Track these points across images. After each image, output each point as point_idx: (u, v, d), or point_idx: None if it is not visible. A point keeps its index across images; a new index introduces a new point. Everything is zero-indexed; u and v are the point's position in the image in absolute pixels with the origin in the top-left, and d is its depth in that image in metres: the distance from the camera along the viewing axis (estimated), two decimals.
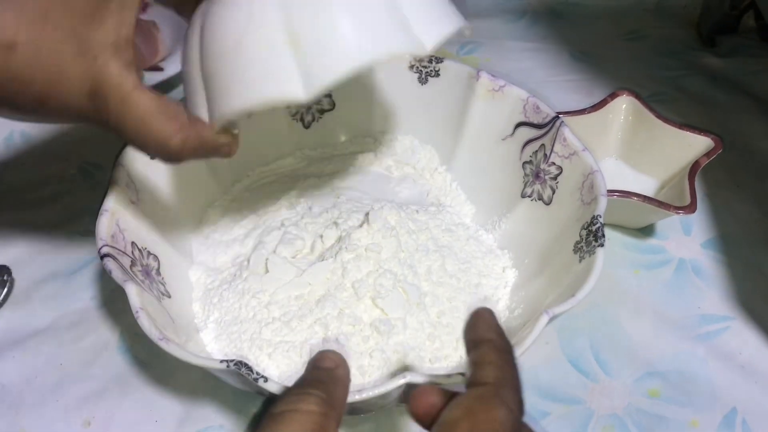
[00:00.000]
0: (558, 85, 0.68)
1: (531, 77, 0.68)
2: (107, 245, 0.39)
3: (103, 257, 0.38)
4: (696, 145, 0.53)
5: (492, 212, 0.51)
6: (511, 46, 0.74)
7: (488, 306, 0.44)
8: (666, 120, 0.54)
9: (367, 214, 0.46)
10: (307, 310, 0.42)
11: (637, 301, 0.49)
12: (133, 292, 0.36)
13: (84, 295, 0.49)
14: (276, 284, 0.43)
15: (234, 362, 0.33)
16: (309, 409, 0.28)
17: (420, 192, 0.53)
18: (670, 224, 0.54)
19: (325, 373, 0.31)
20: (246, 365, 0.33)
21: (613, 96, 0.56)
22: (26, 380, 0.44)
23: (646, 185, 0.55)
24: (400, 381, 0.33)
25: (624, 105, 0.56)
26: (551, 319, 0.36)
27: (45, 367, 0.45)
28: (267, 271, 0.44)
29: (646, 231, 0.54)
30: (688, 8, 0.78)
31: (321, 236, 0.46)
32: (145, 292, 0.38)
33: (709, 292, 0.50)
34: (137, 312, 0.36)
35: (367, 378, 0.40)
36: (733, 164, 0.59)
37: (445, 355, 0.42)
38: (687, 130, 0.53)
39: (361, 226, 0.45)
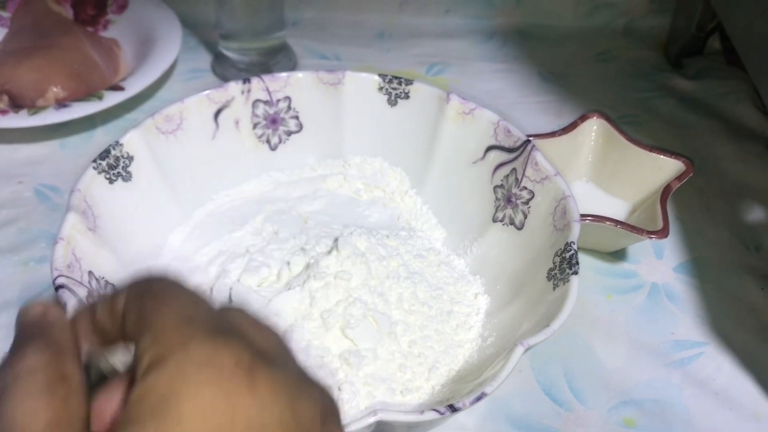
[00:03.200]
0: (528, 107, 0.67)
1: (501, 99, 0.68)
2: (62, 275, 0.37)
3: (57, 288, 0.36)
4: (667, 168, 0.53)
5: (463, 237, 0.50)
6: (481, 67, 0.73)
7: (461, 333, 0.44)
8: (636, 142, 0.54)
9: (335, 240, 0.45)
10: None
11: (611, 326, 0.48)
12: None
13: None
14: None
15: None
16: (28, 366, 0.22)
17: (390, 216, 0.52)
18: (641, 248, 0.54)
19: (31, 328, 0.25)
20: None
21: (583, 118, 0.56)
22: None
23: (618, 208, 0.55)
24: (371, 419, 0.32)
25: (594, 127, 0.56)
26: (526, 350, 0.35)
27: None
28: (231, 301, 0.42)
29: (618, 255, 0.53)
30: (656, 30, 0.78)
31: (288, 263, 0.44)
32: None
33: (682, 317, 0.49)
34: None
35: None
36: (703, 187, 0.59)
37: (416, 386, 0.40)
38: (658, 153, 0.53)
39: (329, 252, 0.44)
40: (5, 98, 0.62)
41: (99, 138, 0.62)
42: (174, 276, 0.25)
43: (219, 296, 0.43)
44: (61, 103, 0.60)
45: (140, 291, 0.24)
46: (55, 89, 0.61)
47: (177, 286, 0.24)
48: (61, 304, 0.27)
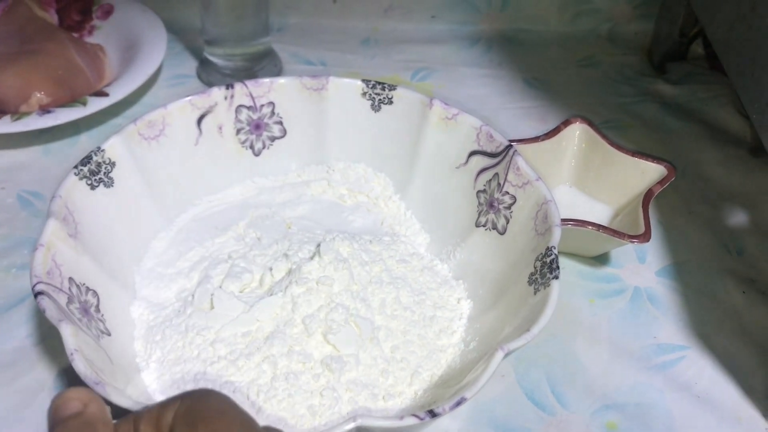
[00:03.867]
0: (512, 112, 0.68)
1: (485, 104, 0.68)
2: (42, 282, 0.37)
3: (36, 295, 0.36)
4: (649, 172, 0.53)
5: (446, 241, 0.50)
6: (465, 72, 0.73)
7: (444, 338, 0.44)
8: (619, 147, 0.54)
9: (318, 246, 0.45)
10: (254, 348, 0.40)
11: (593, 331, 0.49)
12: (68, 332, 0.34)
13: (19, 332, 0.46)
14: (222, 321, 0.41)
15: None
16: None
17: (374, 221, 0.52)
18: (624, 252, 0.54)
19: (74, 423, 0.25)
20: None
21: (566, 123, 0.56)
22: None
23: (601, 213, 0.55)
24: (350, 425, 0.32)
25: (577, 132, 0.56)
26: (506, 355, 0.35)
27: None
28: (212, 306, 0.42)
29: (600, 259, 0.53)
30: (640, 35, 0.79)
31: (270, 269, 0.44)
32: (81, 331, 0.36)
33: (664, 320, 0.50)
34: (72, 354, 0.34)
35: (318, 419, 0.38)
36: (686, 191, 0.59)
37: (399, 391, 0.40)
38: (640, 158, 0.53)
39: (312, 258, 0.44)
40: None
41: (83, 144, 0.62)
42: (222, 394, 0.26)
43: (201, 301, 0.43)
44: (44, 109, 0.60)
45: (190, 410, 0.24)
46: (38, 95, 0.61)
47: (226, 406, 0.25)
48: (100, 397, 0.27)
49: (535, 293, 0.39)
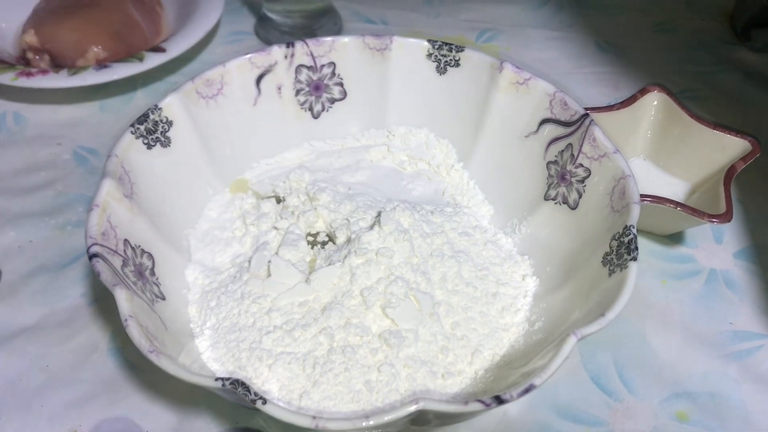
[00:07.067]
0: (583, 78, 0.64)
1: (554, 68, 0.65)
2: (97, 243, 0.36)
3: (91, 257, 0.35)
4: (731, 147, 0.50)
5: (512, 214, 0.47)
6: (534, 34, 0.70)
7: (507, 316, 0.41)
8: (699, 119, 0.51)
9: (378, 215, 0.43)
10: (311, 319, 0.39)
11: (665, 314, 0.46)
12: (122, 297, 0.33)
13: (74, 291, 0.46)
14: (279, 289, 0.40)
15: (230, 381, 0.30)
16: None
17: (435, 190, 0.50)
18: (700, 231, 0.51)
19: None
20: (243, 384, 0.30)
21: (643, 92, 0.52)
22: (9, 383, 0.41)
23: (676, 188, 0.52)
24: (411, 408, 0.30)
25: (655, 102, 0.53)
26: (579, 341, 0.33)
27: (30, 369, 0.42)
28: (269, 274, 0.41)
29: (674, 238, 0.50)
30: None
31: (329, 236, 0.43)
32: (136, 296, 0.35)
33: (741, 306, 0.47)
34: (126, 320, 0.33)
35: (375, 395, 0.37)
36: (767, 168, 0.55)
37: (458, 370, 0.39)
38: (721, 131, 0.50)
39: (371, 227, 0.42)
40: (46, 57, 0.61)
41: (139, 100, 0.61)
42: None
43: (257, 268, 0.41)
44: (101, 64, 0.59)
45: None
46: (95, 49, 0.60)
47: None
48: None
49: (609, 275, 0.37)
